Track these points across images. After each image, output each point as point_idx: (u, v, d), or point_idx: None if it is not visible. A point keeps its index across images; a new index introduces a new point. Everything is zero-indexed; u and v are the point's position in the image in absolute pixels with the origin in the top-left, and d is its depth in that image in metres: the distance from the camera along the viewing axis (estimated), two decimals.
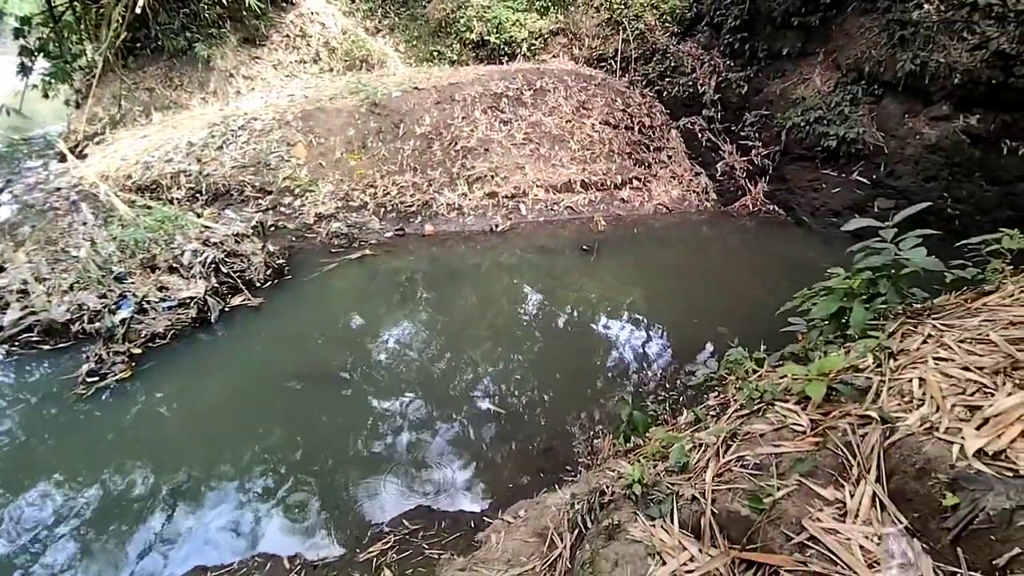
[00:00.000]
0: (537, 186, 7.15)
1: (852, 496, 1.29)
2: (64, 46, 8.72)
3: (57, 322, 4.13)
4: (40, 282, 4.43)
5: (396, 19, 11.02)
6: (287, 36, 9.78)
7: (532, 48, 9.73)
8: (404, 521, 2.83)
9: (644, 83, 8.84)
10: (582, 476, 2.51)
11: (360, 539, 2.74)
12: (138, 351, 4.02)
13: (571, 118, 7.83)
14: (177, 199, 6.35)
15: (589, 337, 4.62)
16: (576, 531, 1.67)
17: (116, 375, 3.80)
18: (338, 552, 2.67)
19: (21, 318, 4.21)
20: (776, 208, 7.37)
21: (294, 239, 6.03)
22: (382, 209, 6.57)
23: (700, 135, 8.25)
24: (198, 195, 6.58)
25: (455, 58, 10.00)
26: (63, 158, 7.60)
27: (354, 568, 2.49)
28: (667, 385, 3.70)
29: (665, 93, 8.65)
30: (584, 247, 6.14)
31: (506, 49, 9.68)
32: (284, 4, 9.84)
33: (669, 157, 8.13)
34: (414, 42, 10.70)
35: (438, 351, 4.38)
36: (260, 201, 6.57)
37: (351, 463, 3.28)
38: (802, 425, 1.55)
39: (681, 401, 3.42)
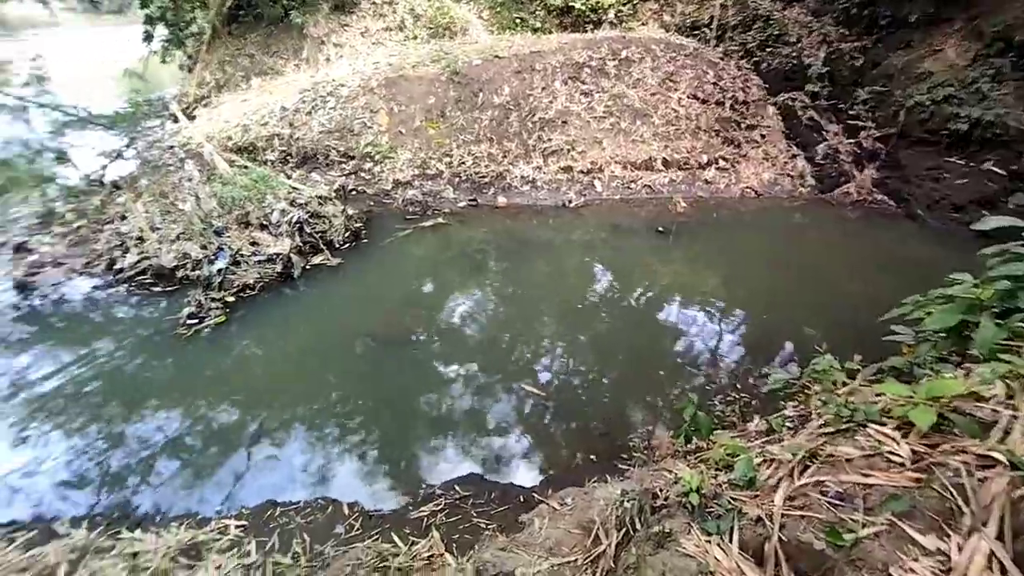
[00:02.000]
0: (615, 162, 6.87)
1: (961, 550, 1.10)
2: (180, 14, 9.42)
3: (166, 267, 4.59)
4: (153, 231, 4.92)
5: None
6: (374, 3, 9.93)
7: (620, 15, 9.22)
8: (456, 486, 2.90)
9: (741, 54, 8.12)
10: (636, 472, 2.43)
11: (414, 497, 2.85)
12: (231, 299, 4.38)
13: (656, 91, 7.38)
14: (270, 161, 6.77)
15: (657, 323, 4.44)
16: (623, 531, 1.61)
17: (212, 319, 4.17)
18: (392, 506, 2.80)
19: (138, 261, 4.72)
20: (885, 198, 6.59)
21: (372, 204, 6.25)
22: (457, 179, 6.62)
23: (801, 113, 7.49)
24: (288, 158, 6.97)
25: (538, 26, 9.70)
26: (175, 119, 8.32)
27: (405, 524, 2.60)
28: (738, 386, 3.47)
29: (764, 65, 7.91)
30: (660, 229, 5.86)
31: (592, 16, 9.24)
32: None
33: (763, 136, 7.48)
34: (498, 8, 10.48)
35: (503, 323, 4.39)
36: (343, 166, 6.85)
37: (412, 422, 3.41)
38: (901, 455, 1.35)
39: (753, 406, 3.19)
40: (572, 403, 3.55)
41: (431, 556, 2.15)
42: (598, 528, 1.67)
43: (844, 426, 1.56)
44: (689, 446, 2.24)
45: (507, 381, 3.75)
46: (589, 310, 4.56)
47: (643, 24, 9.08)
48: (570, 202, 6.45)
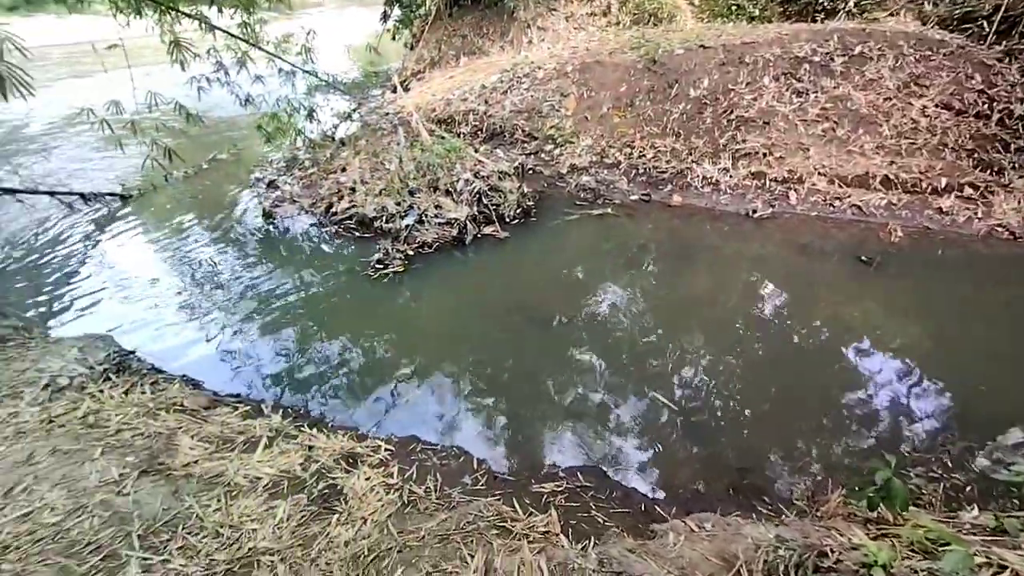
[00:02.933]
0: (819, 173, 6.00)
1: None
2: None
3: (367, 217, 5.34)
4: (363, 184, 5.75)
5: None
6: None
7: (862, 3, 7.89)
8: (578, 474, 2.91)
9: None
10: (794, 522, 2.14)
11: (536, 471, 2.93)
12: (411, 253, 4.94)
13: (893, 95, 6.19)
14: (463, 133, 7.36)
15: (830, 366, 3.81)
16: None
17: (394, 268, 4.76)
18: (515, 474, 2.91)
19: (347, 208, 5.57)
20: None
21: (546, 185, 6.42)
22: (634, 171, 6.44)
23: None
24: (479, 132, 7.50)
25: (757, 13, 8.81)
26: (394, 89, 9.51)
27: (525, 494, 2.68)
28: (948, 463, 2.81)
29: None
30: (863, 258, 4.98)
31: (826, 4, 8.06)
32: None
33: None
34: None
35: (650, 326, 4.21)
36: (526, 145, 7.14)
37: (541, 399, 3.49)
38: None
39: (966, 492, 2.56)
40: (707, 426, 3.28)
41: (547, 532, 2.20)
42: (741, 565, 1.51)
43: None
44: (871, 514, 1.88)
45: (640, 384, 3.61)
46: (746, 333, 4.11)
47: (892, 14, 7.65)
48: (754, 211, 5.83)
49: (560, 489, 2.73)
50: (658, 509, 2.66)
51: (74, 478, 2.35)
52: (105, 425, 2.83)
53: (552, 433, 3.27)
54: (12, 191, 5.24)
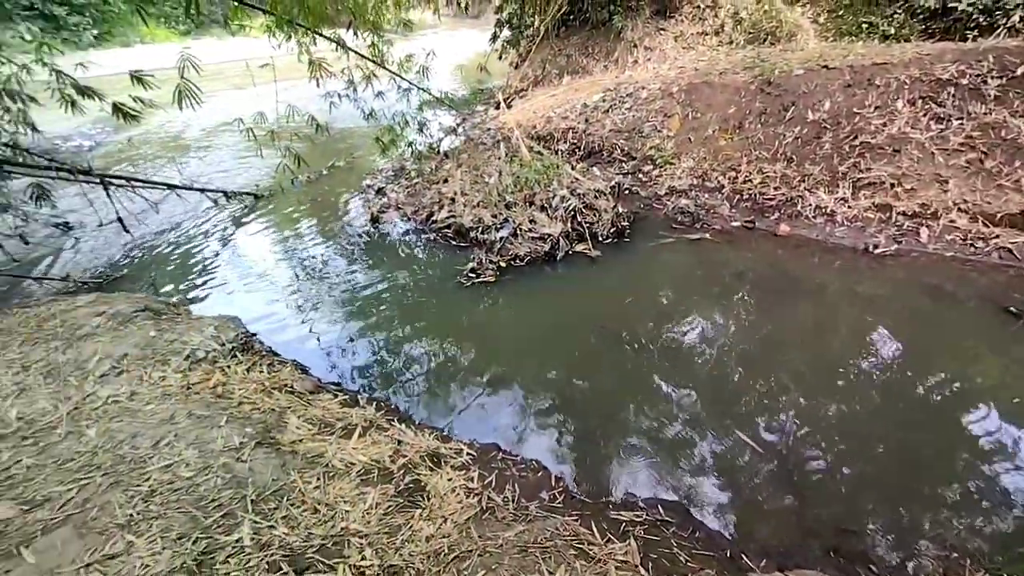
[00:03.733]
0: (959, 209, 5.32)
1: None
2: (523, 20, 11.06)
3: (464, 227, 5.59)
4: (462, 195, 6.02)
5: None
6: (697, 7, 9.77)
7: None
8: (659, 507, 2.80)
9: None
10: None
11: (614, 496, 2.87)
12: (503, 265, 5.08)
13: None
14: (561, 151, 7.47)
15: (958, 431, 3.33)
16: None
17: (486, 277, 4.92)
18: (592, 497, 2.87)
19: (447, 218, 5.86)
20: None
21: (642, 206, 6.31)
22: (737, 196, 6.14)
23: None
24: (577, 150, 7.57)
25: (892, 32, 8.07)
26: (497, 106, 9.88)
27: (603, 519, 2.63)
28: None
29: None
30: (1012, 309, 4.33)
31: (981, 19, 7.19)
32: None
33: None
34: (840, 12, 9.11)
35: (742, 360, 3.96)
36: (623, 164, 7.08)
37: (622, 425, 3.41)
38: None
39: None
40: (801, 477, 3.00)
41: (626, 562, 2.14)
42: None
43: None
44: None
45: (726, 421, 3.40)
46: (852, 381, 3.72)
47: None
48: (875, 247, 5.30)
49: (639, 520, 2.65)
50: (746, 558, 2.49)
51: (204, 440, 2.69)
52: (230, 397, 3.20)
53: (631, 459, 3.18)
54: (173, 186, 6.15)
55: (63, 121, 6.04)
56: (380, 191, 6.96)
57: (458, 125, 8.90)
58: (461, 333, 4.42)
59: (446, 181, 6.53)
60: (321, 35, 5.19)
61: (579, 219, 5.49)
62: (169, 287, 5.26)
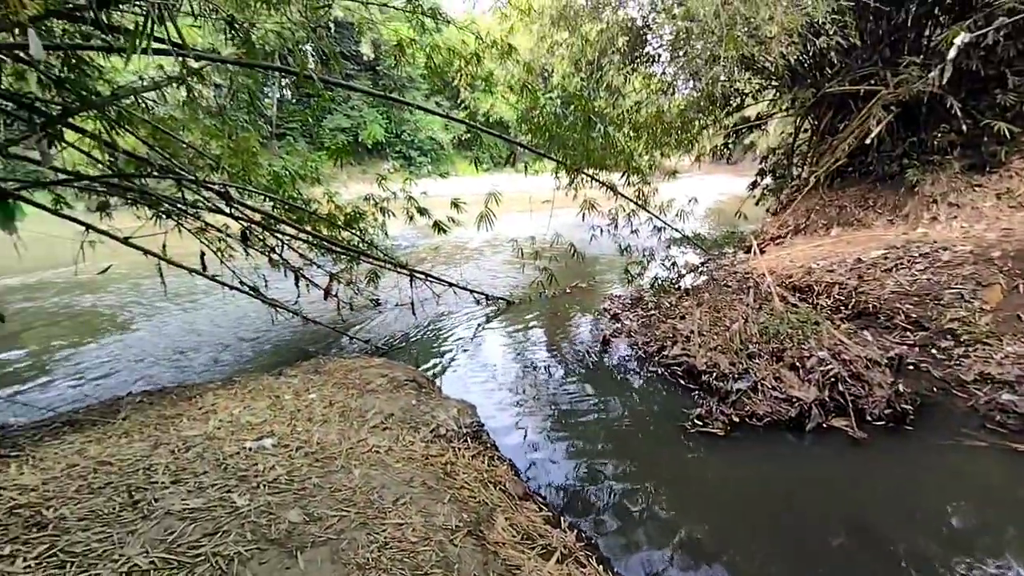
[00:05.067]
0: None
1: None
2: (789, 170, 10.82)
3: (696, 368, 5.31)
4: (699, 336, 5.81)
5: None
6: None
7: None
8: None
9: None
10: None
11: None
12: (736, 419, 4.57)
13: None
14: (822, 306, 6.64)
15: None
16: None
17: (713, 428, 4.49)
18: None
19: (678, 355, 5.70)
20: None
21: (934, 389, 5.02)
22: None
23: None
24: (843, 308, 6.62)
25: None
26: (748, 250, 9.55)
27: None
28: None
29: None
30: None
31: None
32: None
33: None
34: None
35: None
36: (908, 334, 5.85)
37: None
38: None
39: None
40: None
41: None
42: None
43: None
44: None
45: None
46: None
47: None
48: None
49: None
50: None
51: (429, 512, 3.00)
52: (454, 477, 3.54)
53: None
54: (453, 284, 7.63)
55: (396, 227, 8.24)
56: (615, 316, 7.25)
57: (703, 264, 8.86)
58: (675, 482, 4.04)
59: (683, 318, 6.44)
60: (598, 180, 6.06)
61: (841, 389, 4.65)
62: (426, 364, 6.33)
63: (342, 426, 3.90)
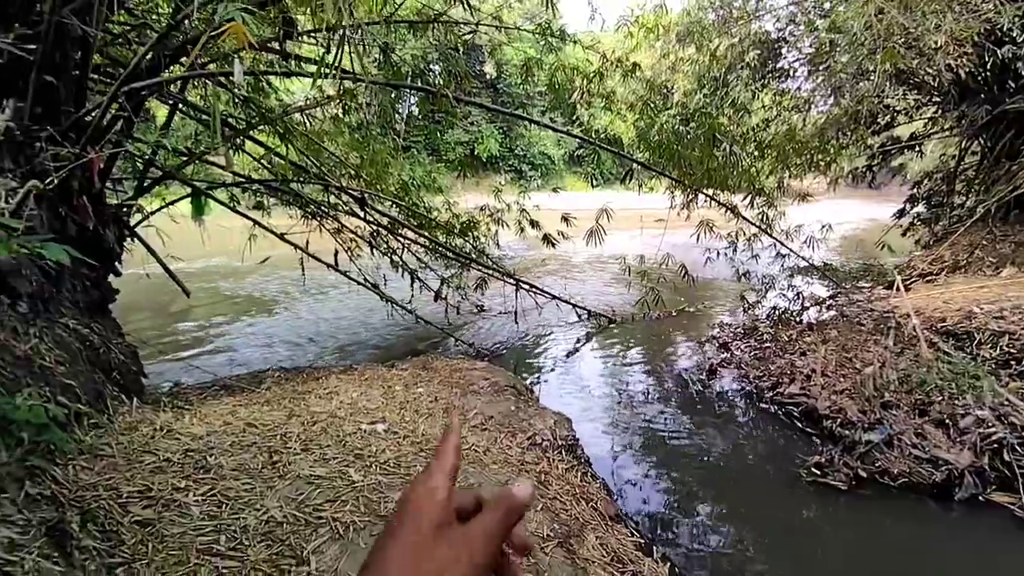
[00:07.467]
0: None
1: None
2: (949, 198, 9.41)
3: (818, 411, 4.82)
4: (823, 376, 5.26)
5: None
6: None
7: None
8: None
9: None
10: None
11: None
12: (864, 475, 4.06)
13: None
14: (984, 358, 5.66)
15: None
16: None
17: (835, 480, 4.04)
18: None
19: (796, 394, 5.21)
20: None
21: None
22: None
23: None
24: (1012, 363, 5.58)
25: None
26: (890, 286, 8.44)
27: None
28: None
29: None
30: None
31: None
32: None
33: None
34: None
35: None
36: None
37: None
38: None
39: None
40: None
41: None
42: None
43: None
44: None
45: None
46: None
47: None
48: None
49: None
50: None
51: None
52: (547, 487, 3.58)
53: None
54: (556, 297, 7.71)
55: (505, 237, 8.53)
56: (724, 345, 6.82)
57: (832, 298, 8.00)
58: (781, 532, 3.69)
59: (804, 354, 5.88)
60: (717, 201, 5.79)
61: (1007, 458, 3.93)
62: (525, 372, 6.45)
63: (444, 421, 4.13)
